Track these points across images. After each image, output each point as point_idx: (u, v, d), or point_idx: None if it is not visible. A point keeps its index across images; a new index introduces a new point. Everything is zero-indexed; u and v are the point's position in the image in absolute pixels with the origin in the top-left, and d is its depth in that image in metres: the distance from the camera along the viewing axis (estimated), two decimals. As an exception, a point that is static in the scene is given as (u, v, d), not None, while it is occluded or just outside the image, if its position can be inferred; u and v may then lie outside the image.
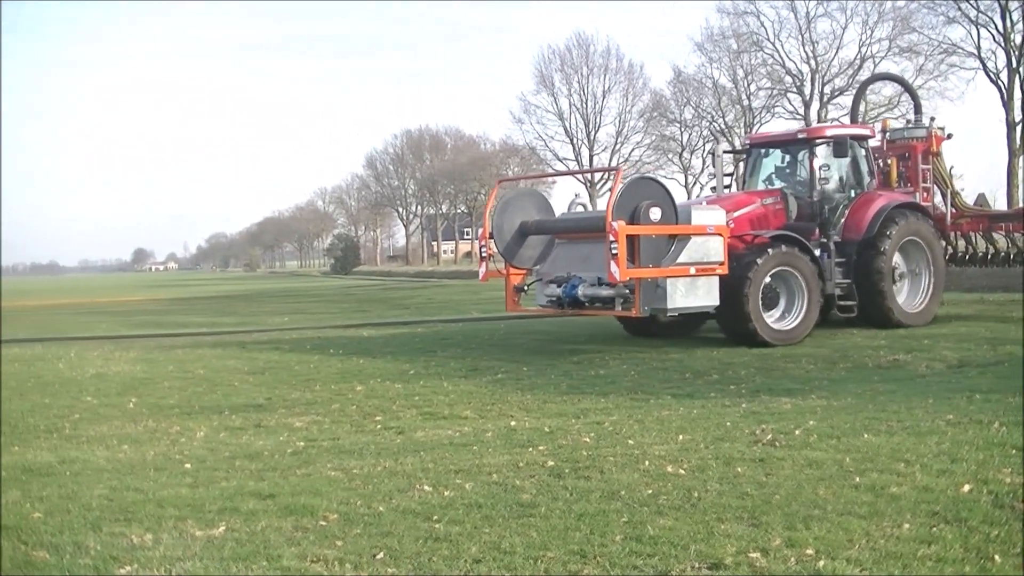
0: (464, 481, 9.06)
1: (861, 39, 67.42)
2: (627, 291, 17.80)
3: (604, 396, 14.01)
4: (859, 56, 67.30)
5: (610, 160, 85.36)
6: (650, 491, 8.34)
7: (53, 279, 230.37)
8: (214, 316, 38.45)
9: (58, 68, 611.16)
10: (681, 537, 7.05)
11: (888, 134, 25.23)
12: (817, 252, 20.29)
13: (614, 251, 16.77)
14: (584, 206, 20.84)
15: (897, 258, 21.79)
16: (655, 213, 17.29)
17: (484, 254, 20.50)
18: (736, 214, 20.03)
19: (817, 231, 20.82)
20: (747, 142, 24.67)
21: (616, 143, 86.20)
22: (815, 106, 69.77)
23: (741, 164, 24.89)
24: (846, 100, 61.90)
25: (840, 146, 20.90)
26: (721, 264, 18.34)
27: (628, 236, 16.98)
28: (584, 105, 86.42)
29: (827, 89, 69.96)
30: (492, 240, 20.03)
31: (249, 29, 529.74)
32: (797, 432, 10.49)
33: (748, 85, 74.53)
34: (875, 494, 7.95)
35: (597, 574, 6.51)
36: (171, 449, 11.50)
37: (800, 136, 22.26)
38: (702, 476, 8.81)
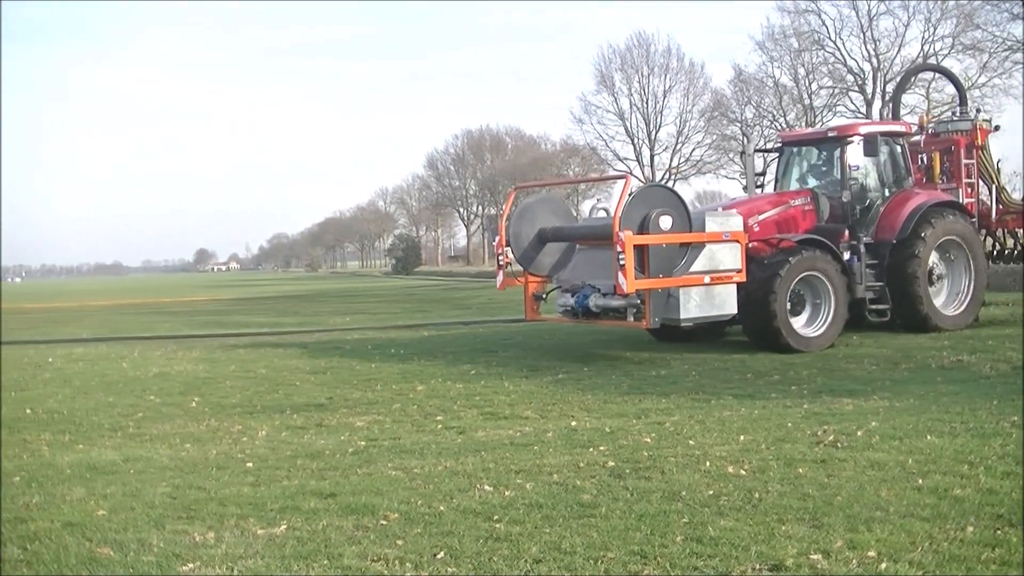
0: (525, 481, 9.07)
1: (924, 36, 66.76)
2: (639, 301, 17.48)
3: (665, 396, 13.99)
4: (921, 54, 66.56)
5: (671, 160, 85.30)
6: (711, 492, 8.32)
7: (117, 279, 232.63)
8: (276, 316, 38.65)
9: (115, 65, 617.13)
10: (742, 538, 7.03)
11: (932, 128, 24.55)
12: (847, 255, 19.95)
13: (621, 262, 16.42)
14: (607, 211, 20.20)
15: (934, 258, 21.22)
16: (665, 222, 16.87)
17: (501, 262, 20.06)
18: (762, 216, 19.69)
19: (847, 233, 20.35)
20: (780, 141, 24.07)
21: (677, 143, 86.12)
22: (877, 104, 69.14)
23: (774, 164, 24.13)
24: (909, 98, 61.14)
25: (871, 144, 20.35)
26: (738, 271, 17.85)
27: (636, 246, 16.63)
28: (644, 105, 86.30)
29: (889, 87, 69.22)
30: (509, 248, 19.72)
31: (312, 30, 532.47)
32: (859, 433, 10.43)
33: (809, 84, 74.03)
34: (938, 496, 7.89)
35: (658, 574, 6.50)
36: (233, 448, 11.60)
37: (831, 135, 21.65)
38: (763, 477, 8.78)
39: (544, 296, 20.17)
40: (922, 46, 66.71)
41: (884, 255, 20.52)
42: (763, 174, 24.31)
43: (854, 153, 20.81)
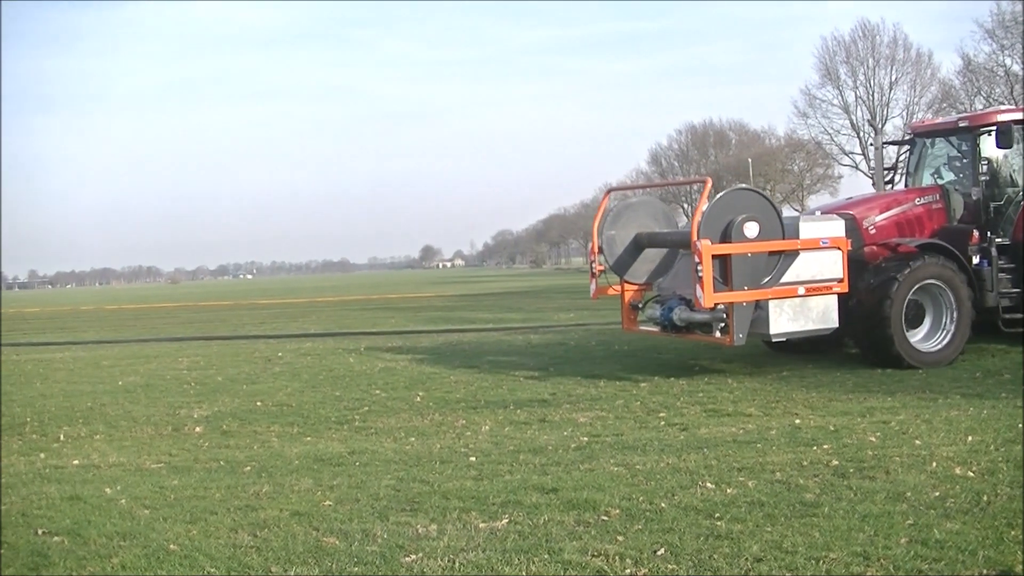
0: (747, 479, 9.06)
1: None
2: (725, 315, 16.06)
3: (891, 395, 13.75)
4: None
5: (897, 156, 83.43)
6: (937, 493, 8.18)
7: (344, 276, 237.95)
8: (500, 312, 39.00)
9: (352, 65, 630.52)
10: (969, 542, 6.89)
11: None
12: (977, 259, 17.74)
13: (699, 273, 15.15)
14: None
15: None
16: (751, 229, 15.49)
17: (594, 270, 18.57)
18: (879, 218, 17.91)
19: (977, 234, 17.92)
20: (910, 132, 22.15)
21: (904, 136, 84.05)
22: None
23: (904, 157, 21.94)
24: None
25: (1005, 135, 17.88)
26: (840, 281, 16.20)
27: (717, 256, 15.38)
28: (870, 97, 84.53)
29: None
30: (602, 254, 18.29)
31: (537, 30, 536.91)
32: (1096, 436, 10.11)
33: (1043, 72, 71.27)
34: None
35: (880, 577, 6.43)
36: (457, 442, 11.82)
37: (962, 124, 19.31)
38: (992, 479, 8.59)
39: (641, 305, 18.66)
40: None
41: (1022, 258, 18.09)
42: (894, 169, 22.22)
43: (988, 144, 18.53)
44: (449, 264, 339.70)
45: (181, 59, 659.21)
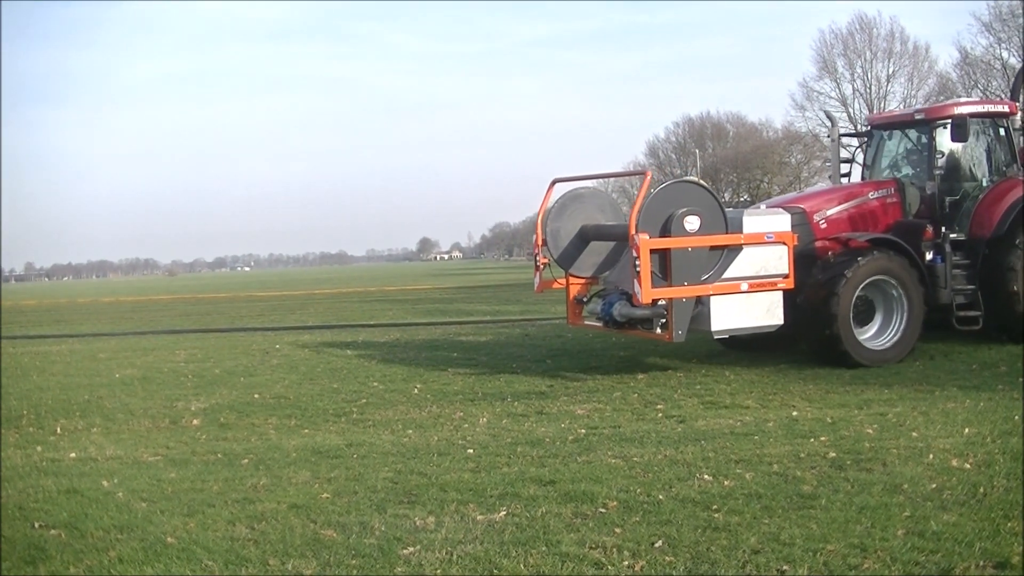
0: (744, 471, 9.07)
1: None
2: (665, 310, 15.63)
3: (888, 387, 13.75)
4: None
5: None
6: (934, 485, 8.19)
7: (342, 268, 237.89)
8: (498, 304, 38.92)
9: (355, 58, 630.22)
10: (966, 534, 6.91)
11: None
12: (930, 255, 17.38)
13: (637, 268, 14.79)
14: None
15: None
16: (692, 223, 15.07)
17: (538, 263, 17.99)
18: (831, 212, 17.50)
19: (931, 229, 17.49)
20: (867, 124, 21.66)
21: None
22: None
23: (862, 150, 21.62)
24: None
25: (960, 128, 17.46)
26: (785, 277, 15.83)
27: (656, 250, 14.96)
28: (867, 90, 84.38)
29: None
30: (546, 247, 17.76)
31: (536, 24, 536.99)
32: (1092, 427, 10.11)
33: (1041, 65, 71.14)
34: None
35: (877, 568, 6.44)
36: (454, 434, 11.84)
37: (918, 117, 18.88)
38: (989, 471, 8.61)
39: (586, 299, 17.99)
40: None
41: (979, 254, 17.75)
42: (851, 161, 21.84)
43: (944, 138, 18.11)
44: (447, 256, 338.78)
45: (180, 54, 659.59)
